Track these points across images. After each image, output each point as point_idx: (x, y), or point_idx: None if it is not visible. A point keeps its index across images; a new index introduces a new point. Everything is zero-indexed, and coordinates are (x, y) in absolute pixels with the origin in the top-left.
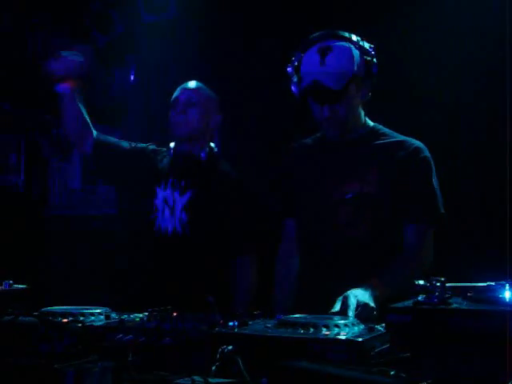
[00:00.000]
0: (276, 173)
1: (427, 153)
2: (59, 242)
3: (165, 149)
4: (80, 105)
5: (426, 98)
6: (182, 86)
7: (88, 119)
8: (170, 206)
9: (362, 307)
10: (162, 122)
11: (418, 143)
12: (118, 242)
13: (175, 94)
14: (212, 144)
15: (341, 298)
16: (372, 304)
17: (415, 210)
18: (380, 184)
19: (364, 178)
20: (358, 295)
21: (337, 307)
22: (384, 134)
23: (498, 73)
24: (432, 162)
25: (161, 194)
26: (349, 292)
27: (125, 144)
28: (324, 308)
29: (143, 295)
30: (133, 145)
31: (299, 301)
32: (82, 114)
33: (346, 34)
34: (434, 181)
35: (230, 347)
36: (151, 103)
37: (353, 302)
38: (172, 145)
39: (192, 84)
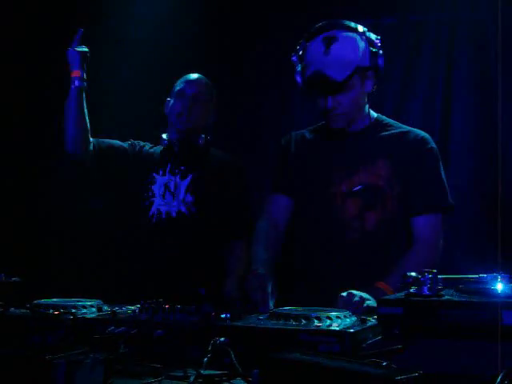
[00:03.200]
0: (274, 157)
1: (433, 143)
2: (52, 235)
3: (145, 142)
4: (85, 106)
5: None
6: (187, 78)
7: (89, 125)
8: (172, 190)
9: (359, 298)
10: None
11: (423, 133)
12: (112, 234)
13: (181, 86)
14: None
15: (345, 293)
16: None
17: (425, 200)
18: (387, 175)
19: (371, 170)
20: (363, 295)
21: (340, 304)
22: (388, 125)
23: (490, 73)
24: (438, 153)
25: (159, 180)
26: (354, 291)
27: (117, 143)
28: (329, 300)
29: (144, 284)
30: (123, 143)
31: (300, 294)
32: (86, 116)
33: (352, 25)
34: (442, 171)
35: (222, 339)
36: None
37: (353, 293)
38: (165, 135)
39: (197, 77)
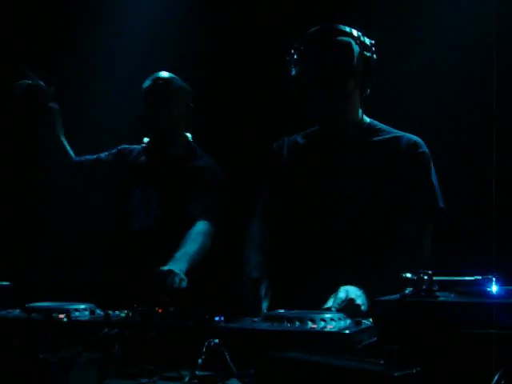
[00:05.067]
0: (266, 161)
1: (425, 148)
2: (43, 240)
3: (138, 146)
4: (59, 134)
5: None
6: (153, 76)
7: (67, 145)
8: (146, 203)
9: (347, 302)
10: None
11: (415, 138)
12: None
13: (146, 84)
14: (188, 134)
15: (334, 294)
16: (359, 301)
17: (413, 204)
18: (379, 180)
19: (363, 174)
20: (349, 290)
21: (329, 303)
22: (381, 130)
23: (488, 70)
24: (430, 157)
25: (137, 193)
26: (341, 287)
27: (101, 155)
28: (319, 303)
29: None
30: (106, 153)
31: (291, 297)
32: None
33: (347, 29)
34: (433, 175)
35: (216, 340)
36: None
37: (340, 297)
38: (146, 139)
39: (164, 74)
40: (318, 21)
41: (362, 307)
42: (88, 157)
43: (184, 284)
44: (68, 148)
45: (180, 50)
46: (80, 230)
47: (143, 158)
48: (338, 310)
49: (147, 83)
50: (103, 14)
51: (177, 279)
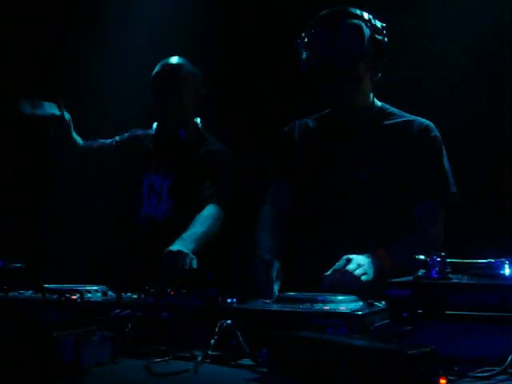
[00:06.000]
0: (277, 145)
1: (437, 132)
2: (56, 224)
3: (150, 131)
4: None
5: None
6: (163, 61)
7: (76, 142)
8: (157, 191)
9: (343, 272)
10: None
11: (427, 122)
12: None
13: (156, 70)
14: (198, 120)
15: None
16: (360, 271)
17: (426, 188)
18: (392, 164)
19: (375, 158)
20: (353, 258)
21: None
22: (392, 114)
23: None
24: (441, 141)
25: (146, 180)
26: (344, 256)
27: (108, 142)
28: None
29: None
30: (117, 138)
31: (303, 279)
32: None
33: (358, 12)
34: (445, 159)
35: (229, 321)
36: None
37: (340, 264)
38: (155, 125)
39: (174, 59)
40: (329, 4)
41: (363, 277)
42: (100, 140)
43: (194, 263)
44: (75, 135)
45: (190, 36)
46: (91, 215)
47: (152, 144)
48: (331, 282)
49: (156, 69)
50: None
51: (187, 260)
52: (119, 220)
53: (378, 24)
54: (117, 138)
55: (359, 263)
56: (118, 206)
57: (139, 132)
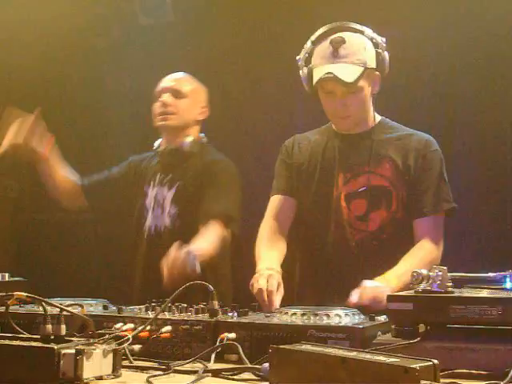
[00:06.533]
0: (278, 158)
1: (437, 146)
2: (58, 238)
3: (150, 153)
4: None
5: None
6: (168, 76)
7: (72, 178)
8: (160, 202)
9: (371, 297)
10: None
11: (427, 136)
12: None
13: (160, 84)
14: (201, 134)
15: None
16: (381, 294)
17: (429, 202)
18: (392, 177)
19: (375, 172)
20: (371, 284)
21: (353, 298)
22: (392, 128)
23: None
24: (442, 156)
25: (149, 193)
26: (364, 281)
27: (111, 171)
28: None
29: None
30: (116, 168)
31: (304, 293)
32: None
33: (359, 27)
34: (444, 174)
35: (230, 335)
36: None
37: (363, 291)
38: (157, 143)
39: (179, 74)
40: (328, 19)
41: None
42: (97, 176)
43: (197, 266)
44: (70, 176)
45: (191, 46)
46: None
47: (155, 159)
48: (364, 305)
49: (161, 83)
50: None
51: (190, 257)
52: (123, 232)
53: (379, 38)
54: (115, 168)
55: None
56: (121, 219)
57: (136, 157)
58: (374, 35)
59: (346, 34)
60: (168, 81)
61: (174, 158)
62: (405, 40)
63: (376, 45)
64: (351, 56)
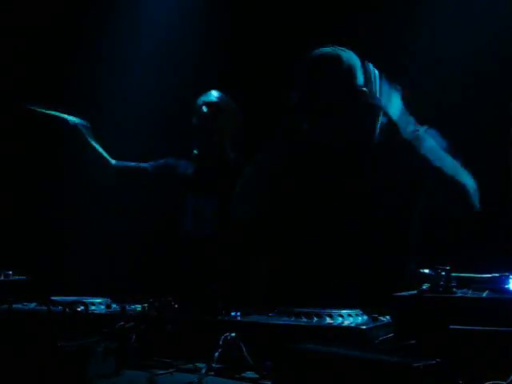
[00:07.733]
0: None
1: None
2: (63, 236)
3: (184, 160)
4: (90, 140)
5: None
6: (206, 94)
7: (102, 151)
8: (200, 212)
9: None
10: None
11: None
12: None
13: (201, 101)
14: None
15: None
16: None
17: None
18: (382, 183)
19: (367, 178)
20: None
21: None
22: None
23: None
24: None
25: (190, 202)
26: None
27: (144, 164)
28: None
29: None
30: (152, 163)
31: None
32: (94, 147)
33: (345, 51)
34: None
35: (233, 334)
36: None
37: None
38: (195, 152)
39: (216, 93)
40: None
41: None
42: (131, 164)
43: None
44: (105, 154)
45: (198, 52)
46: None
47: (192, 169)
48: None
49: (200, 101)
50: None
51: None
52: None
53: (367, 63)
54: (150, 163)
55: None
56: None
57: (173, 160)
58: (364, 60)
59: (331, 57)
60: (206, 98)
61: (212, 171)
62: None
63: (364, 70)
64: (337, 79)
